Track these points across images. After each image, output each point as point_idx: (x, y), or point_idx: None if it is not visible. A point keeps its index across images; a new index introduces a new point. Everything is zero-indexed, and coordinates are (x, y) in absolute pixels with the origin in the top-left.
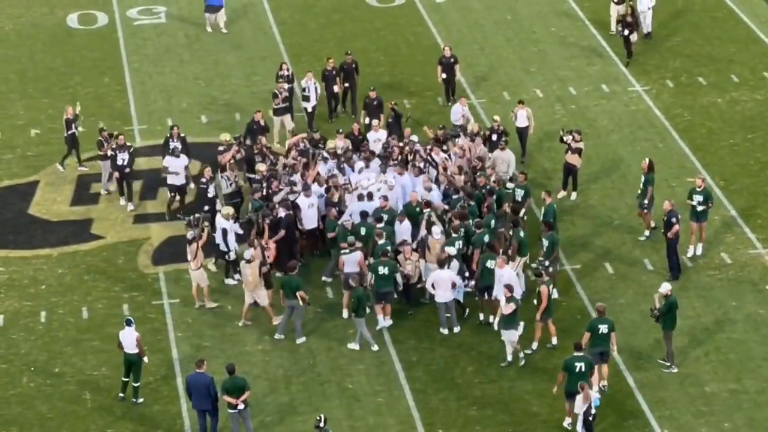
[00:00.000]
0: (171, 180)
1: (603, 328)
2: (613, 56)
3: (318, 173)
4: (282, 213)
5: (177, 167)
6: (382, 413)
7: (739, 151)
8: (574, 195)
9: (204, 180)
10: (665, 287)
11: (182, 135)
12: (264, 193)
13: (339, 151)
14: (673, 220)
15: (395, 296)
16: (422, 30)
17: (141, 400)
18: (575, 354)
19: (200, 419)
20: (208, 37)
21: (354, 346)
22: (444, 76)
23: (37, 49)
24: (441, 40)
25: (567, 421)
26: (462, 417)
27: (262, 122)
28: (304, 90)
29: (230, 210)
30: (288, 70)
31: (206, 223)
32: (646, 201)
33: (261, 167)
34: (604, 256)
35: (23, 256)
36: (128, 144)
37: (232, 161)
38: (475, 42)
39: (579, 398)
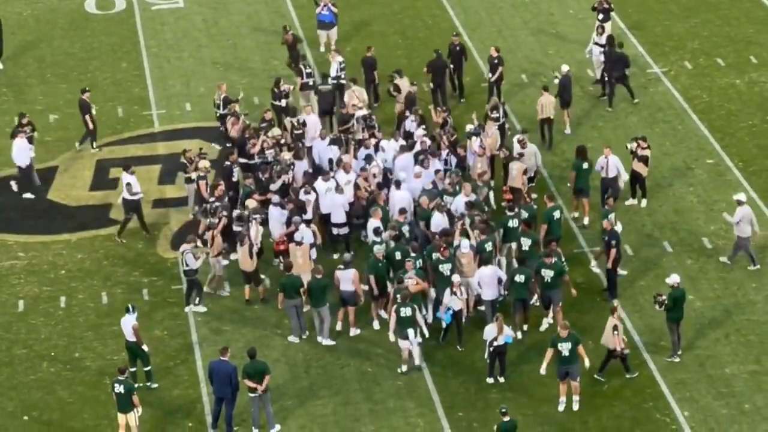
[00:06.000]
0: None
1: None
2: (632, 38)
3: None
4: (304, 197)
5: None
6: (401, 396)
7: (758, 133)
8: (644, 202)
9: (228, 163)
10: (673, 278)
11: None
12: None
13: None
14: (613, 242)
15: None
16: (440, 13)
17: (155, 385)
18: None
19: (216, 405)
20: (225, 21)
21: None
22: (490, 75)
23: (56, 34)
24: (459, 23)
25: (533, 299)
26: (482, 400)
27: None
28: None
29: (254, 204)
30: (285, 85)
31: (224, 213)
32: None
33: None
34: (623, 239)
35: (42, 241)
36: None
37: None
38: (492, 25)
39: (492, 325)
